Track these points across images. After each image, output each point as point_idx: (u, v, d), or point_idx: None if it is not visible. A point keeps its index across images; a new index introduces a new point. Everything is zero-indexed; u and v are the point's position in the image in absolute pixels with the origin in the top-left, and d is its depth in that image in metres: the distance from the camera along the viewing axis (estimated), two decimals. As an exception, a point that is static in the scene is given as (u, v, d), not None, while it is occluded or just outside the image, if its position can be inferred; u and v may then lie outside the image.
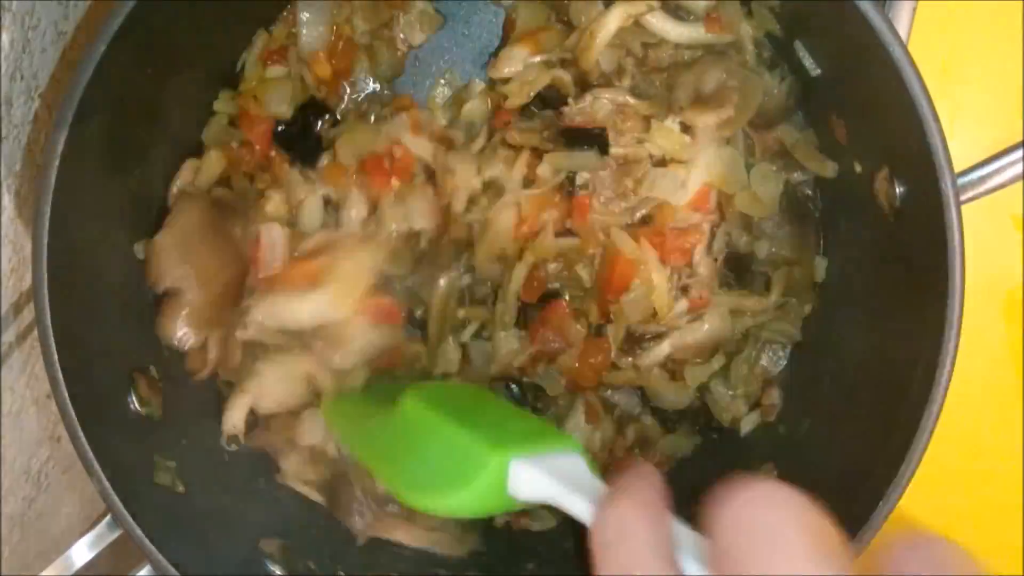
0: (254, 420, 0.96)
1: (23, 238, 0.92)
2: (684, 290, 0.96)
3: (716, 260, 0.96)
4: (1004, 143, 0.81)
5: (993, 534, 1.11)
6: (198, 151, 0.99)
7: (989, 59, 1.07)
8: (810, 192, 0.97)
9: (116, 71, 0.79)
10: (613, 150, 0.92)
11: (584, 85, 0.94)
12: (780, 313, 1.00)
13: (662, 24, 0.91)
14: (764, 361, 1.00)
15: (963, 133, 1.07)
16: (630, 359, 0.97)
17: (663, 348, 0.97)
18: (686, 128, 0.91)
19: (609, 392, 1.02)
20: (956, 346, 0.75)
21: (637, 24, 0.90)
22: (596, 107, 0.91)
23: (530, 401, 1.01)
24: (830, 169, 0.93)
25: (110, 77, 0.78)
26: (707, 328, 0.97)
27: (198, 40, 0.91)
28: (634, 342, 0.98)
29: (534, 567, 1.01)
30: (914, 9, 1.03)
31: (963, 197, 0.75)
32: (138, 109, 0.87)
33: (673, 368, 0.99)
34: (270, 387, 0.92)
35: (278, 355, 0.92)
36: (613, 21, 0.89)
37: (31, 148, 0.90)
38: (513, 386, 1.01)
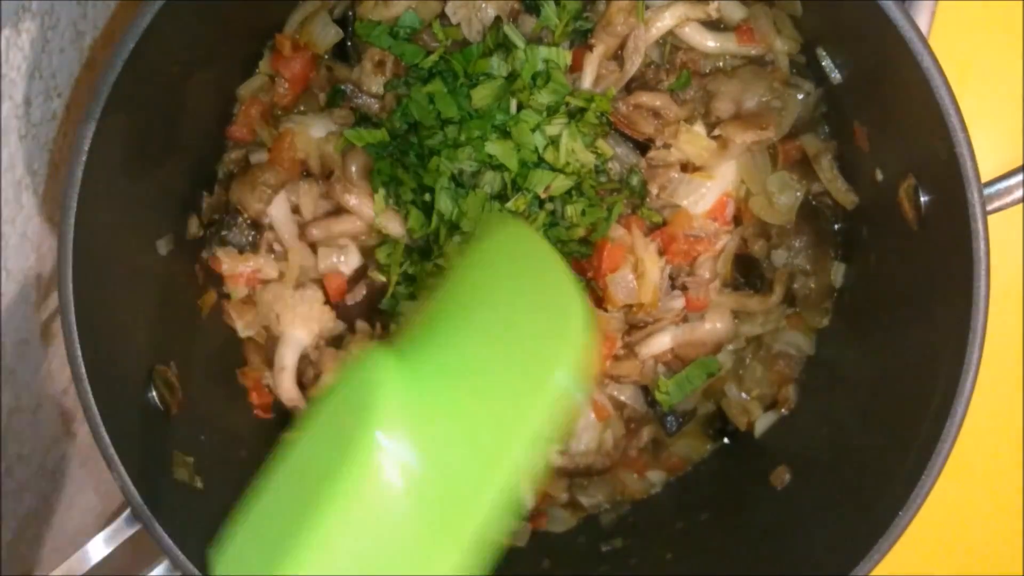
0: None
1: (42, 236, 0.92)
2: (683, 288, 0.98)
3: (723, 264, 0.97)
4: (1018, 152, 0.81)
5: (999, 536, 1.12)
6: (223, 147, 0.99)
7: (1005, 67, 1.07)
8: (831, 202, 0.97)
9: (143, 67, 0.79)
10: (650, 153, 0.94)
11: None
12: (793, 323, 1.00)
13: (697, 35, 0.91)
14: (781, 364, 1.01)
15: (977, 142, 1.08)
16: (631, 342, 0.98)
17: (663, 340, 0.97)
18: (717, 138, 0.92)
19: (615, 391, 1.02)
20: (979, 358, 0.75)
21: (671, 32, 0.91)
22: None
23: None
24: (851, 202, 0.93)
25: (137, 73, 0.78)
26: (708, 327, 0.98)
27: (224, 35, 0.91)
28: (634, 331, 0.99)
29: (549, 565, 1.01)
30: (933, 14, 1.04)
31: (989, 208, 0.75)
32: (164, 105, 0.87)
33: (677, 369, 1.00)
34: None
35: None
36: (670, 18, 0.91)
37: (50, 147, 0.90)
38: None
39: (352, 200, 0.96)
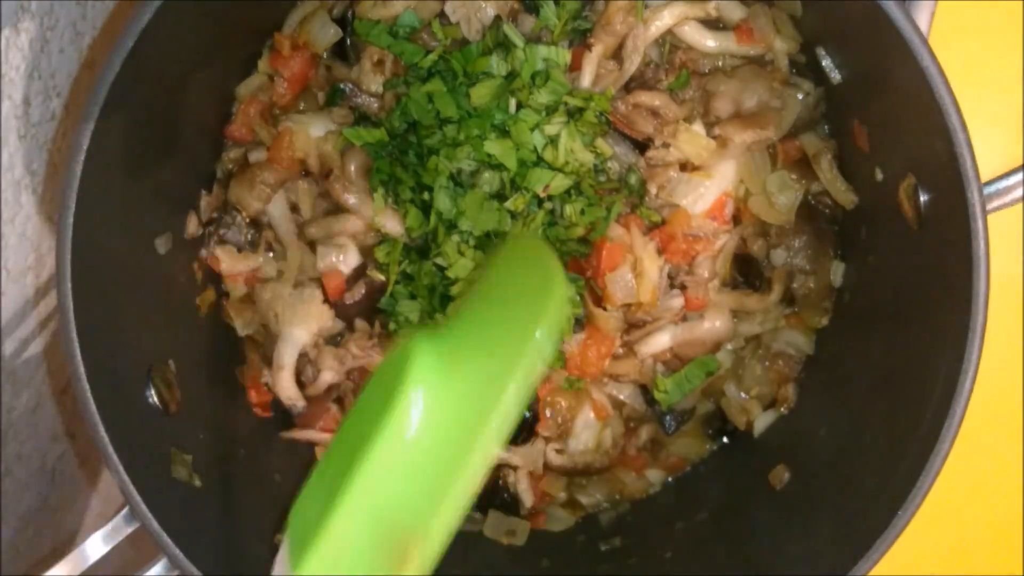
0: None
1: (42, 235, 0.92)
2: (682, 287, 0.98)
3: (722, 263, 0.97)
4: (1018, 151, 0.81)
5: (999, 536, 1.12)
6: (222, 146, 0.99)
7: (1005, 67, 1.06)
8: (830, 202, 0.97)
9: (143, 67, 0.79)
10: (649, 152, 0.94)
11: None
12: (792, 323, 1.00)
13: (696, 34, 0.91)
14: (780, 363, 1.01)
15: (977, 141, 1.08)
16: (630, 341, 0.99)
17: (662, 339, 0.97)
18: (717, 137, 0.92)
19: (614, 390, 1.02)
20: (979, 357, 0.75)
21: (671, 32, 0.91)
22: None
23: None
24: (851, 201, 0.94)
25: (136, 73, 0.78)
26: (707, 326, 0.98)
27: (223, 35, 0.91)
28: (633, 330, 0.99)
29: (548, 564, 1.01)
30: (932, 14, 1.03)
31: (989, 207, 0.75)
32: (163, 105, 0.87)
33: (676, 368, 1.00)
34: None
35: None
36: (669, 17, 0.91)
37: (49, 147, 0.90)
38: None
39: (351, 199, 0.96)
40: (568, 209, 0.93)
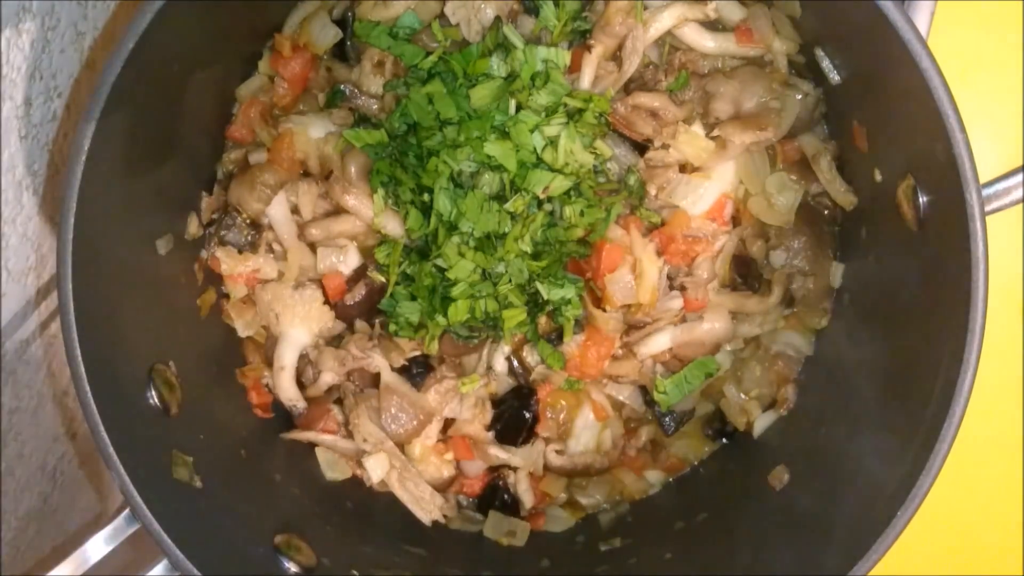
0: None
1: (43, 236, 0.92)
2: (681, 288, 0.98)
3: (721, 264, 0.98)
4: (1017, 152, 0.80)
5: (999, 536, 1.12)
6: (223, 147, 1.00)
7: (1005, 67, 1.07)
8: (830, 203, 0.97)
9: (143, 67, 0.79)
10: (648, 153, 0.94)
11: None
12: (791, 324, 1.00)
13: (695, 35, 0.91)
14: (780, 364, 1.01)
15: (976, 142, 1.08)
16: (630, 342, 0.99)
17: (662, 340, 0.97)
18: (716, 138, 0.92)
19: (614, 391, 1.02)
20: (978, 358, 0.75)
21: (670, 33, 0.91)
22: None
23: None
24: (850, 202, 0.94)
25: (137, 73, 0.78)
26: (706, 327, 0.98)
27: (223, 35, 0.92)
28: (633, 331, 0.99)
29: (548, 565, 1.01)
30: (932, 15, 1.04)
31: (988, 208, 0.75)
32: (164, 105, 0.87)
33: (676, 369, 1.00)
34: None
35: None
36: (668, 19, 0.91)
37: (50, 147, 0.90)
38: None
39: (351, 200, 0.96)
40: (568, 210, 0.93)
